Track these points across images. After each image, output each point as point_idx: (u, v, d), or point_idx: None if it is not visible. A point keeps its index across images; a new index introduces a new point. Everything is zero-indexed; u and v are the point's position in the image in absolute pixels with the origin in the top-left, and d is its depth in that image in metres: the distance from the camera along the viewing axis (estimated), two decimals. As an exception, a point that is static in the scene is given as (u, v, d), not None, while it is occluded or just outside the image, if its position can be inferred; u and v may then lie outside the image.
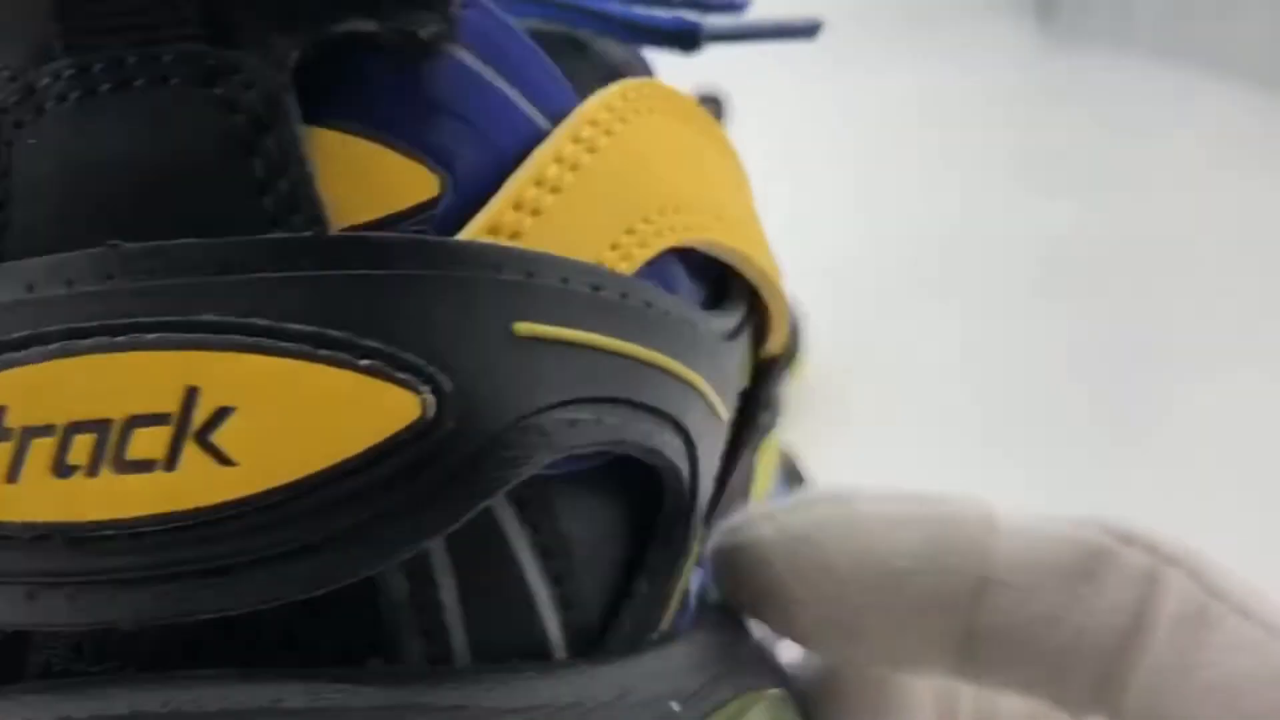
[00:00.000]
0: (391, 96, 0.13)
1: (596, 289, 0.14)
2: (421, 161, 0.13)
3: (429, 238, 0.13)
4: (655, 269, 0.15)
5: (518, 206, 0.13)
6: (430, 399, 0.12)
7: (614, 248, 0.15)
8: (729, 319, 0.18)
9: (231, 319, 0.12)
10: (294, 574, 0.12)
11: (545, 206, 0.14)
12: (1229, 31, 0.62)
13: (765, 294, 0.19)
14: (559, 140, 0.14)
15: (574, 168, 0.14)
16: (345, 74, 0.13)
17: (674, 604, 0.16)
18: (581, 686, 0.13)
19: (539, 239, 0.14)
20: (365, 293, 0.12)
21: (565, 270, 0.14)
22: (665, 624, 0.16)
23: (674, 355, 0.15)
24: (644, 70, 0.21)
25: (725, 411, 0.17)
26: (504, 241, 0.13)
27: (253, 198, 0.12)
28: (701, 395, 0.16)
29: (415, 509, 0.12)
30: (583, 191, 0.14)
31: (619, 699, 0.14)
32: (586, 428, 0.13)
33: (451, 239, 0.13)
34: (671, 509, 0.15)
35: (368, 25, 0.13)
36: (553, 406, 0.13)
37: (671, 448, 0.15)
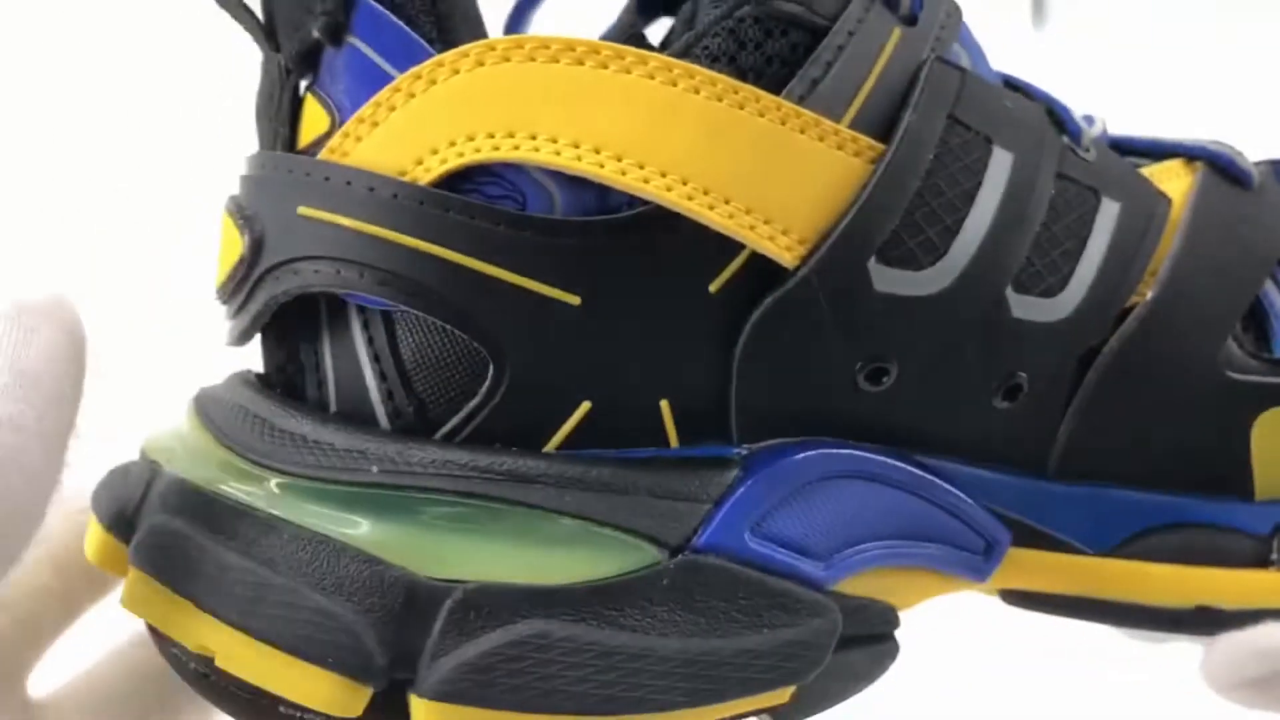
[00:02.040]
0: (326, 70, 0.23)
1: (395, 195, 0.22)
2: (324, 107, 0.23)
3: (286, 155, 0.23)
4: (481, 180, 0.22)
5: (345, 135, 0.22)
6: (248, 241, 0.22)
7: (419, 163, 0.22)
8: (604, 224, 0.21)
9: None
10: None
11: (362, 134, 0.22)
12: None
13: (668, 202, 0.21)
14: (387, 89, 0.22)
15: (391, 108, 0.22)
16: (322, 56, 0.23)
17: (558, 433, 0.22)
18: (373, 444, 0.22)
19: (355, 156, 0.22)
20: (248, 180, 0.23)
21: (374, 181, 0.22)
22: (553, 445, 0.22)
23: (466, 250, 0.21)
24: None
25: (574, 297, 0.21)
26: (335, 159, 0.22)
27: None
28: (501, 280, 0.21)
29: (247, 301, 0.23)
30: (396, 122, 0.22)
31: (396, 457, 0.21)
32: (326, 276, 0.22)
33: (296, 156, 0.22)
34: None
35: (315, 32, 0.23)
36: (304, 259, 0.22)
37: (428, 305, 0.21)
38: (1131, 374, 0.25)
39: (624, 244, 0.22)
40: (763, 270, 0.22)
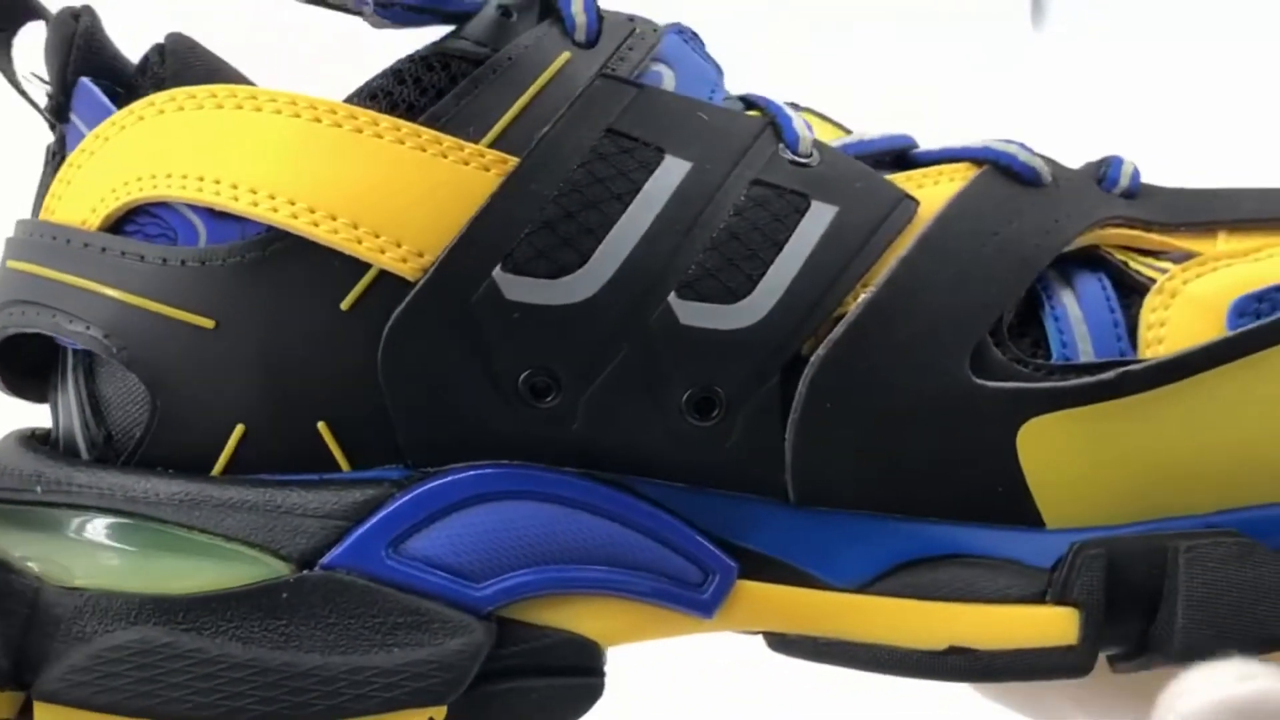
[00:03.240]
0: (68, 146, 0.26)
1: (68, 241, 0.24)
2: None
3: (22, 220, 0.25)
4: (143, 221, 0.24)
5: (52, 196, 0.25)
6: None
7: (93, 211, 0.24)
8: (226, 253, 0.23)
9: None
10: None
11: (61, 193, 0.24)
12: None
13: (279, 224, 0.22)
14: (76, 151, 0.24)
15: (79, 167, 0.24)
16: None
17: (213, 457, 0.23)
18: (49, 469, 0.24)
19: (58, 214, 0.25)
20: None
21: (55, 231, 0.24)
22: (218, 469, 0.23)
23: (114, 284, 0.23)
24: None
25: (209, 321, 0.23)
26: (44, 218, 0.25)
27: None
28: (146, 310, 0.23)
29: None
30: (81, 179, 0.24)
31: (62, 479, 0.23)
32: (15, 317, 0.24)
33: (24, 220, 0.25)
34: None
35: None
36: (7, 304, 0.24)
37: (87, 338, 0.23)
38: (848, 384, 0.23)
39: (252, 268, 0.23)
40: (395, 287, 0.23)
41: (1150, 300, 0.24)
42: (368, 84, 0.24)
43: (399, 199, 0.22)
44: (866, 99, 0.28)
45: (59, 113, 0.25)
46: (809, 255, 0.23)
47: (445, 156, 0.23)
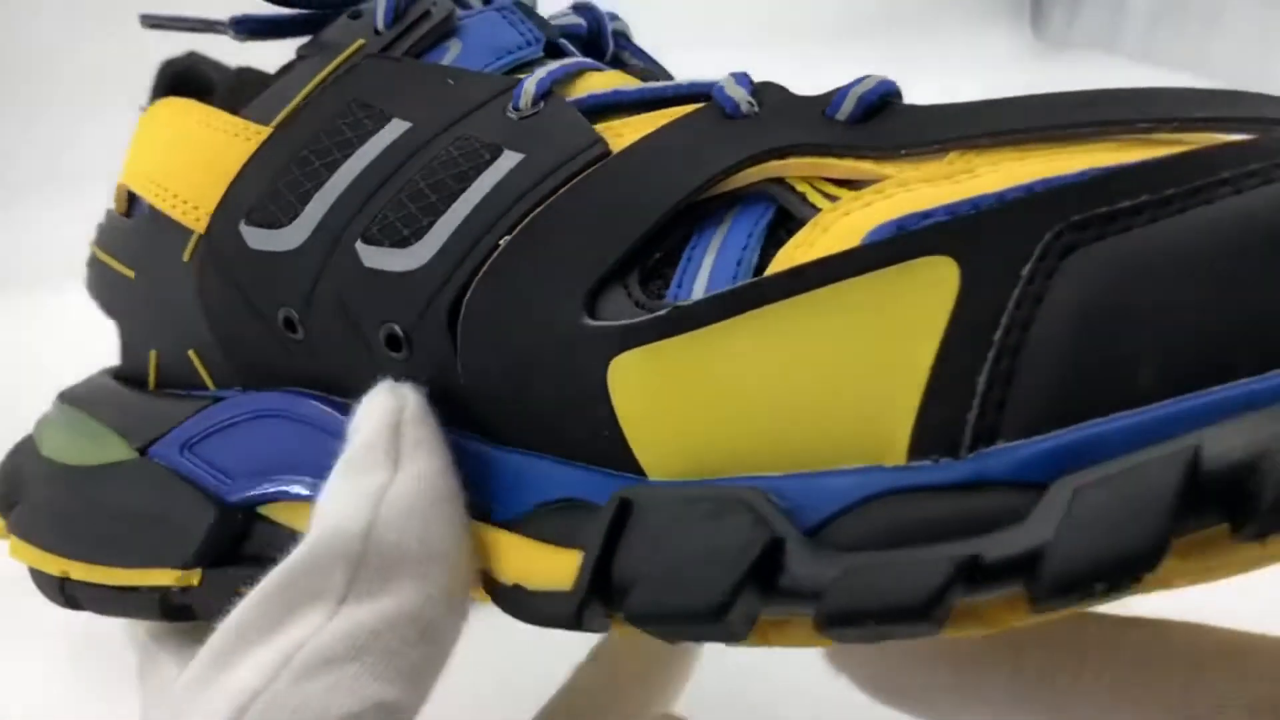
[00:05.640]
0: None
1: (103, 221, 0.34)
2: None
3: None
4: (134, 205, 0.32)
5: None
6: None
7: (119, 199, 0.33)
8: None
9: None
10: None
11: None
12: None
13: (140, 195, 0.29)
14: None
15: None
16: None
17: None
18: (75, 387, 0.34)
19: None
20: None
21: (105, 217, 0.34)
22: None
23: (97, 243, 0.33)
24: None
25: (130, 271, 0.31)
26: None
27: None
28: (109, 266, 0.32)
29: None
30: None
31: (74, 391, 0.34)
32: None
33: None
34: None
35: None
36: None
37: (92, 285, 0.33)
38: (484, 325, 0.24)
39: (146, 230, 0.30)
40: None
41: (797, 237, 0.21)
42: None
43: (202, 172, 0.28)
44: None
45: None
46: (479, 201, 0.25)
47: (236, 136, 0.28)
